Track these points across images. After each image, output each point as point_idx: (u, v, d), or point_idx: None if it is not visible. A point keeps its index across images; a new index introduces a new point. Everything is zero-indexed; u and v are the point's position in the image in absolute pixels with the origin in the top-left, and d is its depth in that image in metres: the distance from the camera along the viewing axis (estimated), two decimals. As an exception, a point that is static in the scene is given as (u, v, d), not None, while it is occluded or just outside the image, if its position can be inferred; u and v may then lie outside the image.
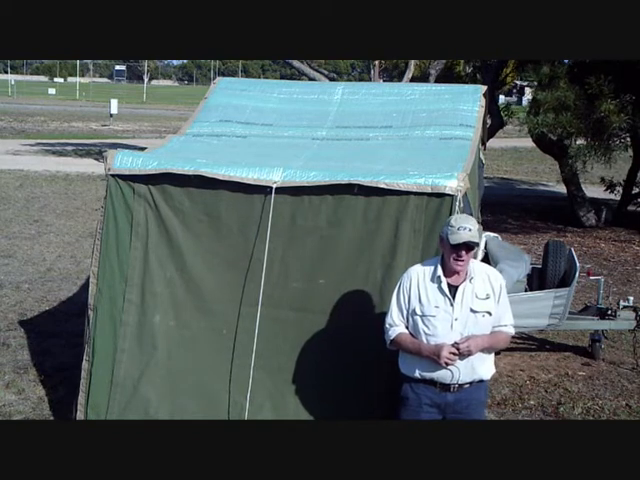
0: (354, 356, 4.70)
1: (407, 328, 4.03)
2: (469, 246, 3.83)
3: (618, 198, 15.25)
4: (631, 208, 15.31)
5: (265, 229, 4.81)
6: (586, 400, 6.26)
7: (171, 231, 4.99)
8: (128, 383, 4.99)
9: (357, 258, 4.75)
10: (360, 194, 4.71)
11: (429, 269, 4.00)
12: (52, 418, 5.56)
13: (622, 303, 7.09)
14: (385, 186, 4.66)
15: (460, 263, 3.86)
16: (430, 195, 4.64)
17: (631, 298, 7.25)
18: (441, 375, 3.92)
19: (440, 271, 3.94)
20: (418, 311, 3.95)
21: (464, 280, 3.93)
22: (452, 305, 3.90)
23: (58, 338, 7.13)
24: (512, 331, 4.09)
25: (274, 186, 4.78)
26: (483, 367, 4.00)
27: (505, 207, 15.91)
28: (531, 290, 6.68)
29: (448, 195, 4.60)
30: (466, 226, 3.83)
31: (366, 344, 4.63)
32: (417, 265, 4.10)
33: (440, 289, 3.92)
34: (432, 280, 3.96)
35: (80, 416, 5.07)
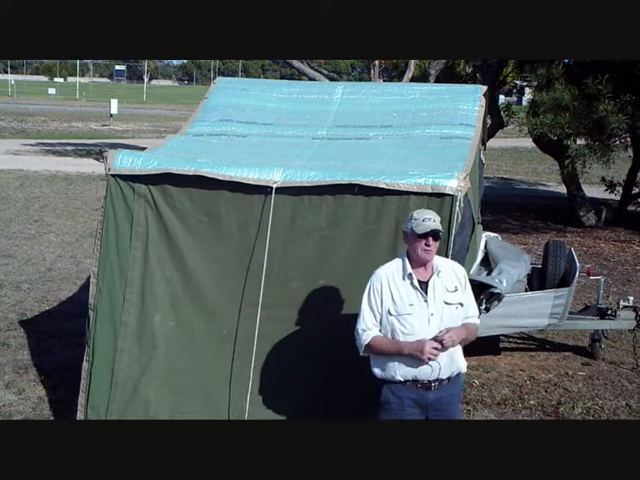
0: (354, 356, 4.69)
1: (380, 331, 4.02)
2: (435, 235, 3.91)
3: (618, 198, 15.25)
4: (631, 208, 15.31)
5: (265, 229, 4.81)
6: (586, 400, 6.26)
7: (171, 231, 4.99)
8: (128, 383, 4.99)
9: (357, 258, 4.75)
10: (360, 194, 4.71)
11: (397, 268, 4.02)
12: (52, 418, 5.55)
13: (622, 303, 7.09)
14: (385, 186, 4.66)
15: (429, 251, 3.92)
16: (430, 195, 4.64)
17: (631, 298, 7.25)
18: (422, 372, 3.92)
19: (409, 268, 3.98)
20: (393, 311, 3.95)
21: (432, 275, 3.99)
22: (426, 301, 3.94)
23: (58, 338, 7.13)
24: (478, 322, 4.17)
25: (274, 186, 4.77)
26: (460, 359, 4.05)
27: (505, 207, 15.90)
28: (531, 290, 6.68)
29: (448, 195, 4.61)
30: (430, 217, 3.94)
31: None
32: (383, 266, 4.09)
33: (412, 286, 3.96)
34: (403, 278, 3.98)
35: (80, 416, 5.07)
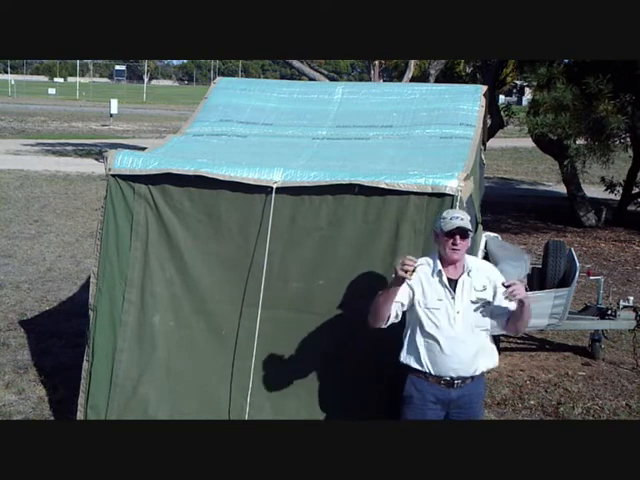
0: (354, 357, 4.70)
1: (404, 313, 4.04)
2: (463, 233, 3.94)
3: (618, 198, 15.25)
4: (631, 208, 15.30)
5: (265, 229, 4.81)
6: (586, 400, 6.26)
7: (171, 231, 4.99)
8: (128, 383, 4.99)
9: (357, 258, 4.75)
10: (360, 194, 4.71)
11: (429, 264, 4.07)
12: (52, 418, 5.56)
13: (622, 303, 7.09)
14: (386, 186, 4.65)
15: (456, 250, 3.95)
16: (431, 195, 4.64)
17: (631, 298, 7.25)
18: (442, 369, 3.95)
19: (440, 265, 4.03)
20: (422, 303, 4.01)
21: (462, 273, 4.03)
22: (453, 298, 3.98)
23: (58, 338, 7.13)
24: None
25: (274, 186, 4.77)
26: (485, 358, 4.07)
27: (505, 207, 15.90)
28: (531, 290, 6.67)
29: (449, 195, 4.60)
30: (457, 215, 3.99)
31: (366, 345, 4.62)
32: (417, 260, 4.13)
33: (441, 282, 4.01)
34: (433, 274, 4.03)
35: (80, 416, 5.07)
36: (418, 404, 4.05)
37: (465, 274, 4.03)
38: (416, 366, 4.04)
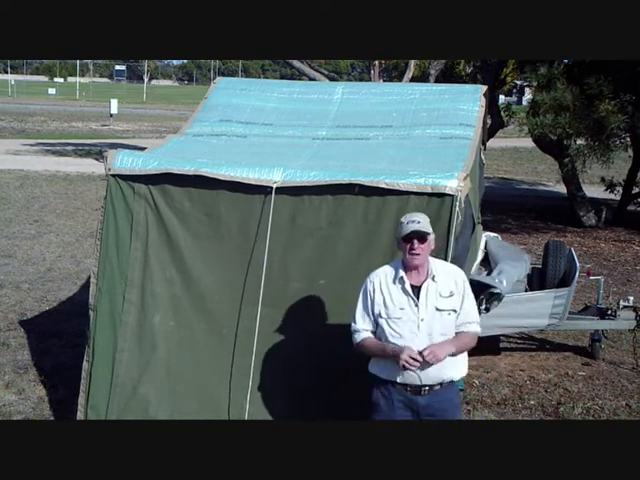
0: (355, 355, 4.69)
1: (375, 332, 4.01)
2: (420, 236, 3.85)
3: (618, 198, 15.25)
4: (631, 208, 15.31)
5: (265, 229, 4.81)
6: (586, 400, 6.26)
7: (171, 231, 4.99)
8: (128, 383, 4.99)
9: (357, 258, 4.75)
10: (360, 194, 4.71)
11: (391, 272, 3.99)
12: (52, 418, 5.56)
13: (622, 303, 7.09)
14: (386, 186, 4.66)
15: (416, 255, 3.86)
16: (430, 195, 4.64)
17: (631, 298, 7.25)
18: (409, 376, 3.88)
19: (402, 272, 3.94)
20: (383, 314, 3.93)
21: (426, 279, 3.92)
22: (417, 305, 3.89)
23: (58, 338, 7.13)
24: (478, 329, 4.04)
25: (274, 186, 4.77)
26: (453, 368, 3.96)
27: (505, 207, 15.90)
28: (531, 290, 6.68)
29: (448, 195, 4.60)
30: (414, 219, 3.89)
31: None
32: (379, 269, 4.08)
33: (404, 290, 3.92)
34: (394, 282, 3.95)
35: (80, 416, 5.07)
36: (385, 410, 3.97)
37: (429, 279, 3.92)
38: (382, 375, 3.97)
